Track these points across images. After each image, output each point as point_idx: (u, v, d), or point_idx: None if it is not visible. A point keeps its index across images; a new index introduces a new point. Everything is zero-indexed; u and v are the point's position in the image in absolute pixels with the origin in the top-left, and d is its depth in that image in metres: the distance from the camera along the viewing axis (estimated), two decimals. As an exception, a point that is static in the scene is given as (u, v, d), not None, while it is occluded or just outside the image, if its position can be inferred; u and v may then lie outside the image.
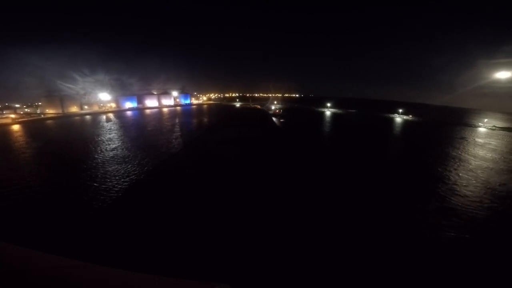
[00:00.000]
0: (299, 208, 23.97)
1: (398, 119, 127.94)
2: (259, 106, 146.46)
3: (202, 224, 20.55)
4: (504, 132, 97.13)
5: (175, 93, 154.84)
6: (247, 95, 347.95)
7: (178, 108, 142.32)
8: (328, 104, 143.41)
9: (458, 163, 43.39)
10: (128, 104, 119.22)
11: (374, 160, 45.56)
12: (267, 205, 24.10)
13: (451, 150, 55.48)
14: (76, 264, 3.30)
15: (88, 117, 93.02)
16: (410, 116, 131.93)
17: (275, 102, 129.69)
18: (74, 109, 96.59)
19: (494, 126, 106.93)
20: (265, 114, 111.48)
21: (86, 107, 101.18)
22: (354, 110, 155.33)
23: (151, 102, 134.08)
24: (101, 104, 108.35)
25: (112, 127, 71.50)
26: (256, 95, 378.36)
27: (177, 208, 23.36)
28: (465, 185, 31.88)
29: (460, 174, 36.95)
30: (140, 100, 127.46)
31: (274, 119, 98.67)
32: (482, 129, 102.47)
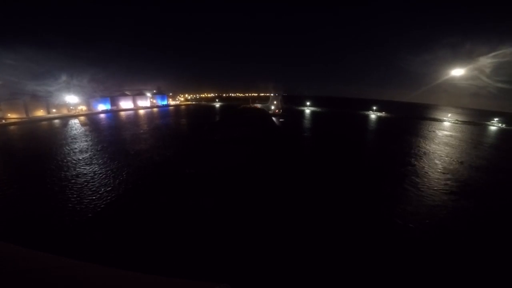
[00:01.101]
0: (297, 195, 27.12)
1: (373, 115, 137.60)
2: (259, 106, 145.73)
3: (202, 223, 21.15)
4: (464, 125, 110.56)
5: (150, 94, 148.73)
6: (224, 95, 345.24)
7: (155, 109, 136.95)
8: (308, 103, 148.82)
9: (430, 148, 55.76)
10: (101, 107, 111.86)
11: (364, 151, 53.35)
12: (266, 198, 25.84)
13: (423, 140, 67.66)
14: (76, 264, 3.34)
15: (57, 121, 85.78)
16: (383, 113, 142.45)
17: (275, 102, 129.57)
18: (40, 113, 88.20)
19: (456, 120, 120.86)
20: (265, 114, 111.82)
21: (54, 110, 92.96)
22: (331, 109, 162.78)
23: (125, 104, 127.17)
24: (71, 107, 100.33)
25: (80, 132, 65.92)
26: (232, 95, 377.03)
27: (178, 208, 23.74)
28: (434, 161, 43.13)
29: (430, 154, 49.60)
30: (113, 102, 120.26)
31: (274, 119, 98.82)
32: (447, 123, 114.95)
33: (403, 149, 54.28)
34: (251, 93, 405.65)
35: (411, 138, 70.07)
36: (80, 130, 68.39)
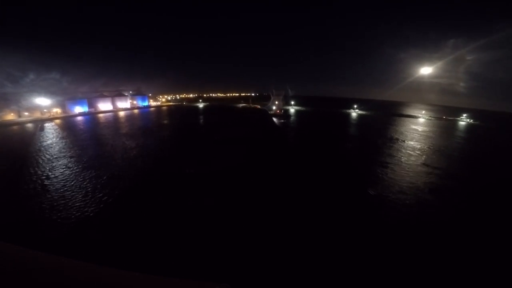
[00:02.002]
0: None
1: (354, 114, 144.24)
2: (259, 106, 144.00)
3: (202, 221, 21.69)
4: (437, 121, 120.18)
5: (129, 95, 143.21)
6: (204, 95, 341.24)
7: (136, 111, 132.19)
8: (292, 102, 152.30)
9: (411, 142, 62.01)
10: (78, 109, 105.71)
11: (354, 145, 57.15)
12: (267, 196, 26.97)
13: (403, 133, 75.25)
14: (76, 264, 3.36)
15: (29, 125, 79.82)
16: (364, 111, 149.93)
17: (276, 103, 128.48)
18: (10, 116, 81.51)
19: (430, 116, 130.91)
20: (265, 115, 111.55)
21: (26, 113, 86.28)
22: (316, 108, 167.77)
23: (104, 106, 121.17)
24: (44, 110, 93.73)
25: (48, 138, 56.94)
26: (213, 95, 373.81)
27: (177, 208, 24.12)
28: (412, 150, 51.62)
29: (410, 145, 56.31)
30: (91, 104, 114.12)
31: (274, 119, 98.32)
32: (421, 119, 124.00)
33: (389, 140, 58.31)
34: (232, 93, 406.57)
35: (394, 133, 75.51)
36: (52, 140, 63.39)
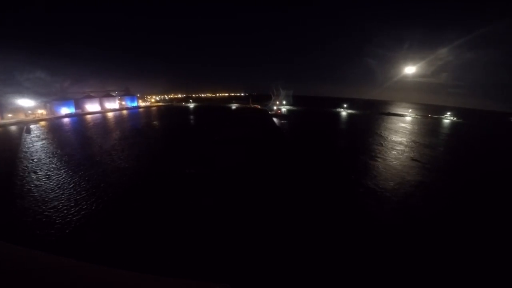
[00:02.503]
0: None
1: (344, 113, 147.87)
2: (259, 106, 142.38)
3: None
4: (423, 119, 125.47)
5: (118, 95, 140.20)
6: (193, 95, 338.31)
7: (125, 112, 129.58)
8: (284, 102, 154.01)
9: (400, 137, 67.09)
10: (65, 110, 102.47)
11: (346, 140, 59.60)
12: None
13: (393, 131, 77.57)
14: (76, 264, 3.36)
15: (13, 127, 76.74)
16: (353, 110, 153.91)
17: (277, 103, 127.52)
18: (-7, 118, 78.05)
19: (416, 115, 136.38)
20: (266, 115, 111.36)
21: (10, 115, 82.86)
22: (308, 107, 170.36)
23: (92, 107, 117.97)
24: (29, 112, 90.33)
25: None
26: (202, 95, 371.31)
27: (177, 208, 24.36)
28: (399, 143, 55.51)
29: (398, 140, 60.88)
30: (78, 105, 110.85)
31: (275, 119, 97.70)
32: (408, 118, 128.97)
33: (380, 137, 60.82)
34: (221, 93, 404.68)
35: (384, 130, 78.48)
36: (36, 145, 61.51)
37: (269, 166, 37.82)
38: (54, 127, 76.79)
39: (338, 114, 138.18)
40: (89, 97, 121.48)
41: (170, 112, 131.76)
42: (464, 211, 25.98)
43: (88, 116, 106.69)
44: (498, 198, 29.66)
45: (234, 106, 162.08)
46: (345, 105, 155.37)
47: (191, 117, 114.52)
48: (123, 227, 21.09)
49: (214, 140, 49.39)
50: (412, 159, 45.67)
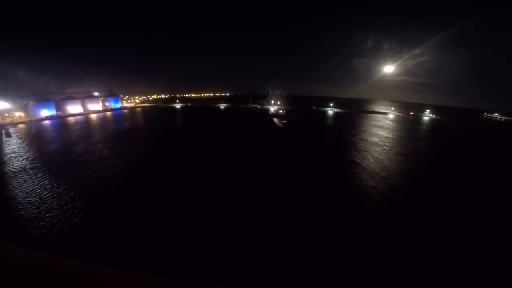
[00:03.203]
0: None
1: (330, 112, 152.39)
2: (259, 106, 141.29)
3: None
4: (405, 116, 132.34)
5: (101, 96, 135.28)
6: (177, 96, 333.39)
7: (109, 113, 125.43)
8: (272, 101, 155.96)
9: (380, 133, 72.61)
10: (45, 112, 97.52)
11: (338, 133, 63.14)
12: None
13: (378, 127, 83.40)
14: (76, 264, 3.37)
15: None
16: (339, 109, 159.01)
17: (278, 103, 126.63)
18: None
19: (398, 113, 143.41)
20: (266, 115, 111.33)
21: (-15, 118, 77.65)
22: (296, 106, 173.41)
23: (74, 108, 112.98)
24: (5, 114, 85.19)
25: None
26: (187, 95, 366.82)
27: (177, 208, 24.63)
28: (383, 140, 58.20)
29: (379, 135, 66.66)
30: (59, 107, 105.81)
31: (275, 120, 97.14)
32: (391, 115, 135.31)
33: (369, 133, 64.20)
34: (206, 93, 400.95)
35: (371, 127, 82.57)
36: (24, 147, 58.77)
37: (270, 165, 38.79)
38: (34, 130, 73.00)
39: (327, 113, 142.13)
40: (71, 98, 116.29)
41: (156, 113, 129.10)
42: (434, 192, 30.84)
43: (70, 118, 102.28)
44: (468, 181, 35.67)
45: (222, 106, 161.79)
46: (331, 104, 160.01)
47: (179, 118, 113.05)
48: (123, 227, 21.07)
49: (214, 140, 49.54)
50: (396, 153, 50.23)
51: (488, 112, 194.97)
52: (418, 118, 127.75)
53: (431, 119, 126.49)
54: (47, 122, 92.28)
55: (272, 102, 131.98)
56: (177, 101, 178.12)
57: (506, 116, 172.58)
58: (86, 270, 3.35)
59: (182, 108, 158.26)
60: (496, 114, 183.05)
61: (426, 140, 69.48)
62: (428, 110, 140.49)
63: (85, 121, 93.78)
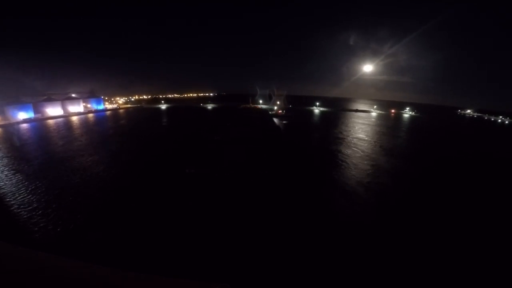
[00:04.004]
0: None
1: (317, 110, 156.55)
2: (259, 106, 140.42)
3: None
4: (386, 113, 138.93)
5: (82, 98, 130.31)
6: (160, 96, 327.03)
7: (91, 115, 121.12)
8: (260, 101, 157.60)
9: (366, 130, 77.52)
10: (22, 115, 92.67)
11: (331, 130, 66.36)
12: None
13: (363, 125, 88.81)
14: (76, 264, 3.43)
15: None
16: (324, 108, 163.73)
17: (278, 102, 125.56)
18: None
19: (381, 111, 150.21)
20: (266, 115, 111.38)
21: (-43, 123, 72.52)
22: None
23: (53, 111, 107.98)
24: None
25: None
26: (170, 96, 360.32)
27: (177, 208, 24.80)
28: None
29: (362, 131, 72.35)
30: (38, 109, 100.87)
31: (275, 120, 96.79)
32: (373, 113, 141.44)
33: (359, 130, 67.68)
34: (190, 94, 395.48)
35: (356, 125, 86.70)
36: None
37: (271, 165, 39.89)
38: (7, 134, 68.96)
39: (314, 112, 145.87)
40: (50, 100, 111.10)
41: (145, 114, 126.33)
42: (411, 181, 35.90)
43: (50, 121, 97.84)
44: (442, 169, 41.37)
45: (209, 106, 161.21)
46: (317, 103, 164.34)
47: (166, 119, 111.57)
48: (123, 227, 21.24)
49: (217, 140, 49.61)
50: (380, 147, 55.97)
51: (461, 110, 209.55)
52: (400, 116, 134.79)
53: (411, 117, 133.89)
54: (24, 125, 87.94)
55: (275, 102, 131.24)
56: (163, 101, 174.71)
57: (478, 113, 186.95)
58: (86, 270, 3.37)
59: (168, 108, 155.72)
60: (469, 111, 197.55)
61: (409, 134, 76.15)
62: (408, 108, 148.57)
63: (66, 124, 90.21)
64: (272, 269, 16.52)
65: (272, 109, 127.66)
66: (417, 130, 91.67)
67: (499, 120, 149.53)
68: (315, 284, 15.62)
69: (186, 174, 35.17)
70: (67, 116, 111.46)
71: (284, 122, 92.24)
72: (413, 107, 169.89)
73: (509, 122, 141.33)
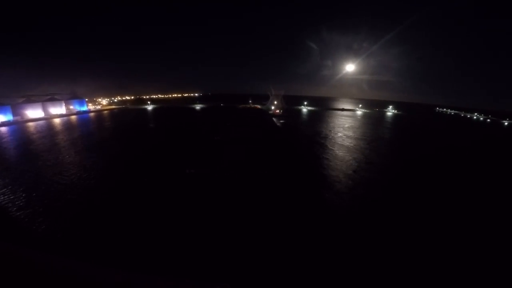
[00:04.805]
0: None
1: (305, 110, 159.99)
2: (259, 106, 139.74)
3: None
4: (371, 112, 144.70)
5: (64, 99, 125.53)
6: (144, 97, 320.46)
7: (74, 117, 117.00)
8: (250, 101, 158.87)
9: (351, 127, 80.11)
10: (0, 118, 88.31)
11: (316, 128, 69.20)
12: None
13: (348, 122, 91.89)
14: (76, 264, 3.45)
15: None
16: (312, 107, 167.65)
17: (275, 102, 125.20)
18: None
19: (366, 109, 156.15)
20: (265, 115, 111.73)
21: None
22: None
23: (34, 113, 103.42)
24: (-48, 121, 75.50)
25: None
26: (154, 96, 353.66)
27: (177, 208, 24.98)
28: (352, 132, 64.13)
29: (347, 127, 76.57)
30: (17, 111, 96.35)
31: (274, 119, 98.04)
32: (359, 112, 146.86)
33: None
34: (174, 94, 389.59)
35: (347, 122, 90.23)
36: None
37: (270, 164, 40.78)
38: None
39: (302, 111, 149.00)
40: (30, 101, 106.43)
41: (132, 115, 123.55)
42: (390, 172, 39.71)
43: (30, 124, 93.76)
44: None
45: (198, 107, 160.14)
46: (305, 103, 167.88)
47: (168, 120, 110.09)
48: (123, 228, 21.32)
49: (217, 140, 49.78)
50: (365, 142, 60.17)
51: (439, 107, 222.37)
52: (383, 114, 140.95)
53: (394, 115, 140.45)
54: (3, 128, 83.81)
55: (273, 102, 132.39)
56: (149, 102, 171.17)
57: (455, 110, 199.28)
58: (86, 270, 3.37)
59: (156, 109, 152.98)
60: (446, 108, 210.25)
61: (388, 129, 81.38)
62: (391, 106, 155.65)
63: (47, 127, 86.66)
64: (272, 269, 16.49)
65: (269, 109, 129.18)
66: (397, 126, 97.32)
67: (474, 117, 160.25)
68: (315, 284, 15.74)
69: (186, 174, 35.63)
70: (48, 118, 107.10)
71: (281, 121, 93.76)
72: (395, 105, 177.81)
73: (483, 119, 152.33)
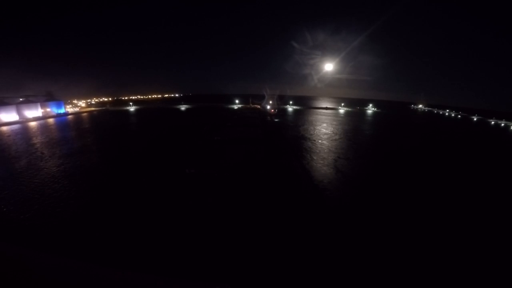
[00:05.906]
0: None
1: (290, 108, 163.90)
2: (258, 106, 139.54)
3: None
4: (354, 110, 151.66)
5: (40, 101, 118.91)
6: (124, 98, 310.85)
7: (51, 120, 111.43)
8: (237, 101, 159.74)
9: (332, 126, 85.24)
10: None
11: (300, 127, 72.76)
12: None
13: (328, 121, 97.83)
14: (76, 264, 3.52)
15: None
16: (296, 106, 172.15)
17: (270, 102, 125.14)
18: None
19: (347, 108, 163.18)
20: (264, 114, 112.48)
21: None
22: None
23: (7, 116, 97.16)
24: None
25: None
26: (133, 97, 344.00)
27: (177, 208, 24.77)
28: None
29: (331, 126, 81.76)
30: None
31: (269, 118, 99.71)
32: (341, 110, 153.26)
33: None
34: (154, 95, 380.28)
35: (332, 120, 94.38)
36: None
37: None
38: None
39: (288, 110, 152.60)
40: (2, 104, 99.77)
41: (114, 118, 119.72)
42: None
43: (4, 128, 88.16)
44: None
45: (183, 107, 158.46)
46: (291, 102, 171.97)
47: (157, 122, 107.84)
48: (123, 228, 21.41)
49: (216, 140, 49.97)
50: (348, 139, 64.93)
51: (414, 104, 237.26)
52: (364, 112, 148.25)
53: (374, 112, 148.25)
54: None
55: (268, 101, 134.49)
56: (131, 103, 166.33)
57: (428, 107, 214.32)
58: (86, 270, 3.40)
59: (139, 111, 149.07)
60: (420, 105, 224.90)
61: (365, 125, 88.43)
62: (370, 104, 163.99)
63: (23, 131, 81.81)
64: (272, 269, 16.35)
65: (265, 108, 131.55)
66: (382, 122, 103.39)
67: (446, 114, 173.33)
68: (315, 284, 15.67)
69: (186, 174, 36.04)
70: (23, 121, 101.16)
71: (276, 120, 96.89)
72: (374, 103, 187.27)
73: (454, 115, 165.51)
